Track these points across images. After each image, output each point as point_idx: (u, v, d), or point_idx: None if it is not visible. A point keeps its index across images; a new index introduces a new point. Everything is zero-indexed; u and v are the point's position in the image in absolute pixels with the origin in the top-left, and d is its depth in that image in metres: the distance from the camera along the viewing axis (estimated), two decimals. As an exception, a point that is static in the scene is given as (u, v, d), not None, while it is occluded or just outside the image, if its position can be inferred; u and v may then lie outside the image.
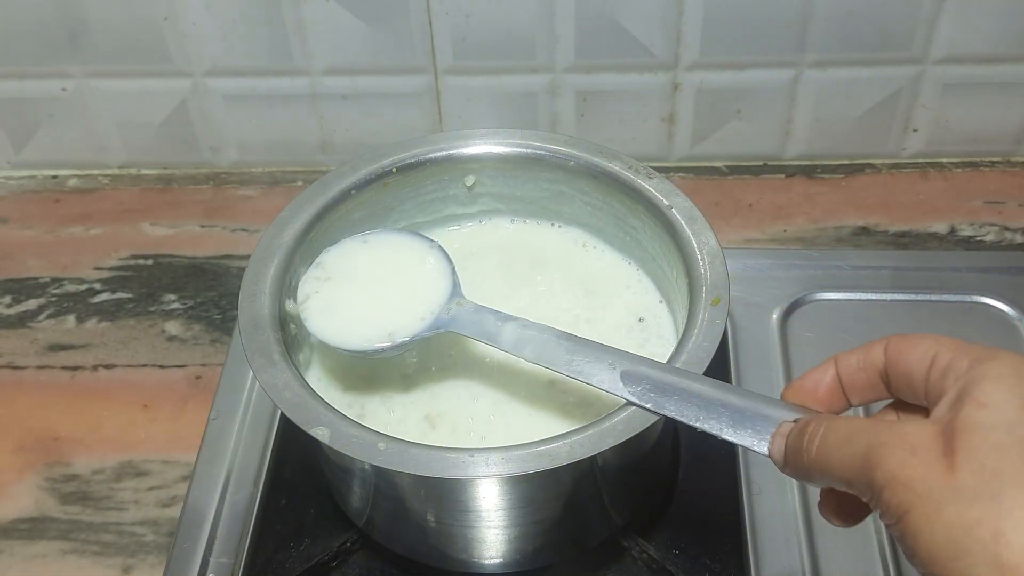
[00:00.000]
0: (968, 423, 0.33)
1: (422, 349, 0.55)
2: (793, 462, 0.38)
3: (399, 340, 0.51)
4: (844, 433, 0.36)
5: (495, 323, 0.49)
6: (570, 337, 0.48)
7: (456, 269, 0.53)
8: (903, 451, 0.34)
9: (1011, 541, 0.31)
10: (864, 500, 0.35)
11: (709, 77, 0.77)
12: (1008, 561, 0.31)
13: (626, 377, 0.45)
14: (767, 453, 0.40)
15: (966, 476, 0.32)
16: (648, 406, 0.44)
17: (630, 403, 0.45)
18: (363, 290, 0.53)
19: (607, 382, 0.45)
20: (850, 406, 0.41)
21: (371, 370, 0.55)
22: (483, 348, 0.53)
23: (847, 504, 0.39)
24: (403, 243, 0.55)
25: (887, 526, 0.35)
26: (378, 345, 0.51)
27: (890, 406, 0.40)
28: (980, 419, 0.33)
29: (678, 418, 0.43)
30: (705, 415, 0.42)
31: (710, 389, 0.43)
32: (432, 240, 0.55)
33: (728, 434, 0.41)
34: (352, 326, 0.52)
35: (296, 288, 0.53)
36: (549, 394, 0.53)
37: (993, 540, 0.31)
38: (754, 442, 0.40)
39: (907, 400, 0.38)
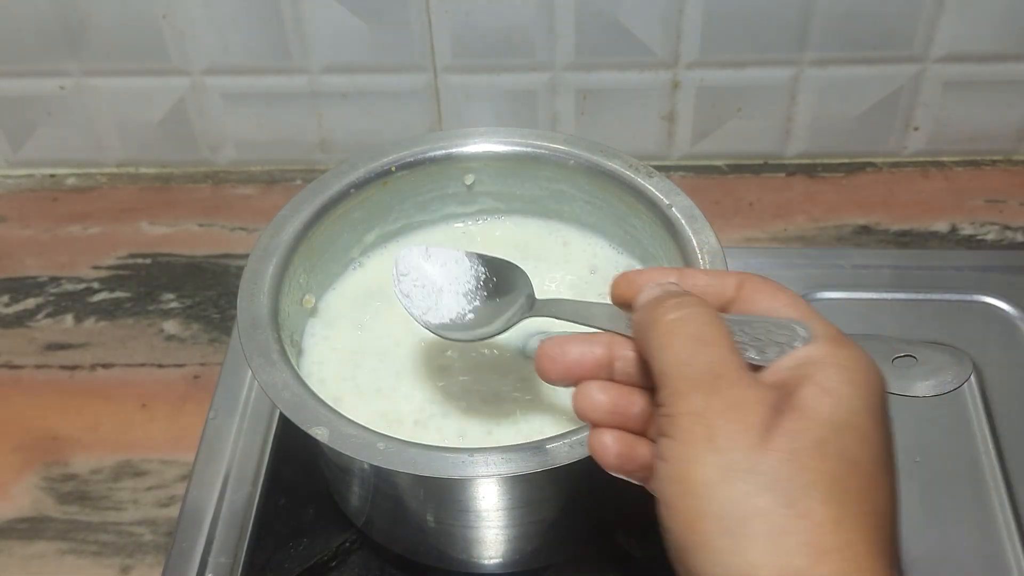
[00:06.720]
0: (803, 406, 0.31)
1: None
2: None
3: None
4: (706, 332, 0.34)
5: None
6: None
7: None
8: (727, 399, 0.31)
9: (765, 563, 0.28)
10: (658, 401, 0.33)
11: (709, 75, 0.77)
12: None
13: None
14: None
15: (772, 459, 0.30)
16: None
17: None
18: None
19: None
20: None
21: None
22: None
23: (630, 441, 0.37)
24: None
25: (657, 458, 0.32)
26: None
27: None
28: (816, 407, 0.31)
29: None
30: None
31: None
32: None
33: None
34: None
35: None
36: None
37: (759, 548, 0.28)
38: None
39: None
